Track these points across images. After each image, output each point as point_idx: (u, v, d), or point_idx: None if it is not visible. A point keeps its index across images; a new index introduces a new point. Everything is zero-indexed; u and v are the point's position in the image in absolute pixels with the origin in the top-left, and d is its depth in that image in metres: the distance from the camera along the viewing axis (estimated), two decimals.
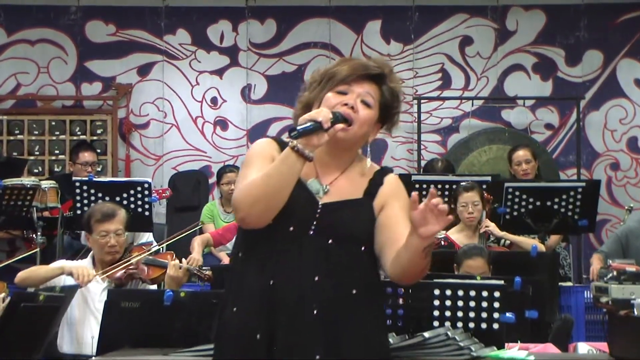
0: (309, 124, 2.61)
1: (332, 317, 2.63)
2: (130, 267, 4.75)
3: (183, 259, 4.87)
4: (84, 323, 4.59)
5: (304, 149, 2.61)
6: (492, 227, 5.88)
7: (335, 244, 2.65)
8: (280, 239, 2.67)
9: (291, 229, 2.66)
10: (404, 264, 2.61)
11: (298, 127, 2.61)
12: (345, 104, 2.70)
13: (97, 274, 4.67)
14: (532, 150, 7.25)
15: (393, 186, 2.77)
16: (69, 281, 4.60)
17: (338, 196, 2.72)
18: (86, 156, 7.18)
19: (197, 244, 5.81)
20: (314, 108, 2.72)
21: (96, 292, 4.65)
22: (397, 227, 2.67)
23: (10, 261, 6.52)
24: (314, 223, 2.68)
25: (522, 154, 7.11)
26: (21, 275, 4.64)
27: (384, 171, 2.80)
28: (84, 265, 4.71)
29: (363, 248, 2.68)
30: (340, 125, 2.65)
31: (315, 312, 2.62)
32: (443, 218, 2.50)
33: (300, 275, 2.64)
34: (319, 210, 2.69)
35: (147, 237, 6.21)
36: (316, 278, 2.63)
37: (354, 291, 2.65)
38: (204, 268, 5.17)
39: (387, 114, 2.79)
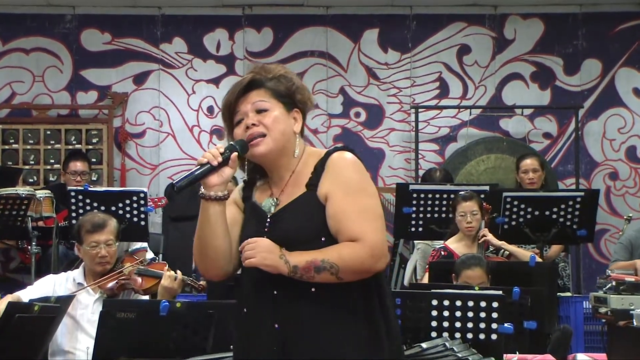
0: (191, 173, 2.61)
1: (292, 326, 2.61)
2: (123, 278, 4.73)
3: (178, 271, 4.82)
4: (73, 335, 4.57)
5: (209, 193, 2.63)
6: (490, 236, 5.89)
7: (288, 250, 2.60)
8: (245, 269, 2.69)
9: None
10: None
11: (177, 181, 2.60)
12: (247, 127, 2.68)
13: (114, 274, 4.64)
14: (540, 160, 7.26)
15: (335, 169, 2.65)
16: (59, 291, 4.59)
17: (286, 201, 2.70)
18: (77, 165, 7.17)
19: None
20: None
21: (87, 304, 4.62)
22: (340, 217, 2.60)
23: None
24: (265, 238, 2.65)
25: (529, 162, 7.12)
26: None
27: (327, 154, 2.69)
28: (61, 286, 4.67)
29: (323, 239, 2.61)
30: (234, 154, 2.64)
31: (276, 326, 2.62)
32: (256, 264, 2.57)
33: (263, 294, 2.64)
34: (267, 224, 2.68)
35: (141, 242, 6.20)
36: (275, 292, 2.63)
37: (313, 289, 2.60)
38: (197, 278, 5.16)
39: (289, 97, 2.74)
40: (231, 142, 2.67)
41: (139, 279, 4.77)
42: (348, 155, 2.69)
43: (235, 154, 2.65)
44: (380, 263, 2.62)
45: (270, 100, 2.72)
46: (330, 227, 2.62)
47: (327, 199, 2.63)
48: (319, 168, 2.67)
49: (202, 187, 2.65)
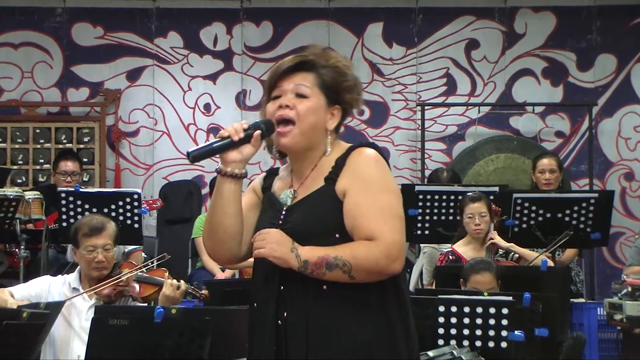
0: (209, 144, 2.62)
1: (297, 325, 2.61)
2: (120, 284, 4.72)
3: (182, 281, 4.77)
4: (67, 342, 4.57)
5: (226, 168, 2.64)
6: (497, 238, 5.89)
7: (303, 244, 2.61)
8: (256, 262, 2.72)
9: None
10: None
11: (192, 150, 2.61)
12: (280, 106, 2.69)
13: (112, 280, 4.64)
14: (558, 160, 7.26)
15: (355, 165, 2.65)
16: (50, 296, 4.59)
17: (303, 194, 2.71)
18: (68, 165, 7.17)
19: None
20: None
21: (82, 310, 4.62)
22: (357, 214, 2.59)
23: None
24: (278, 229, 2.66)
25: (547, 162, 7.12)
26: None
27: (350, 150, 2.70)
28: (57, 290, 4.67)
29: (337, 236, 2.61)
30: (257, 132, 2.64)
31: (279, 322, 2.62)
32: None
33: (270, 289, 2.66)
34: (282, 217, 2.69)
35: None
36: (281, 287, 2.64)
37: (325, 287, 2.60)
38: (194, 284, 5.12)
39: (336, 93, 2.73)
40: (257, 120, 2.67)
41: (138, 286, 4.76)
42: (370, 151, 2.69)
43: (258, 132, 2.65)
44: (396, 264, 2.61)
45: (314, 88, 2.71)
46: (346, 224, 2.62)
47: (345, 195, 2.63)
48: (340, 162, 2.68)
49: (219, 161, 2.66)
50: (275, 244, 2.59)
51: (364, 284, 2.59)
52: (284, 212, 2.70)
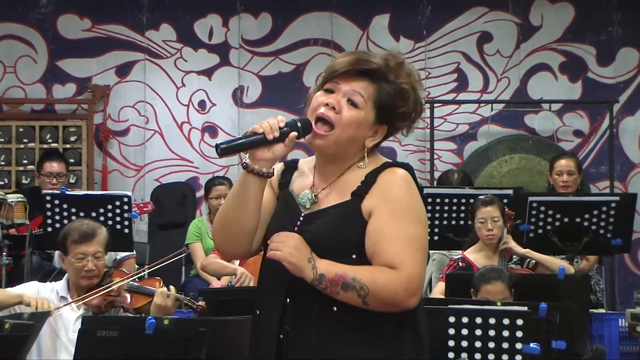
0: (240, 138, 2.62)
1: (300, 342, 2.62)
2: (111, 294, 4.72)
3: (171, 287, 4.77)
4: (54, 355, 4.57)
5: (253, 165, 2.63)
6: (512, 243, 5.89)
7: (318, 256, 2.61)
8: (265, 265, 2.72)
9: None
10: None
11: (222, 142, 2.60)
12: (327, 104, 2.68)
13: (60, 306, 4.61)
14: (577, 161, 7.26)
15: (386, 184, 2.66)
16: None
17: (326, 203, 2.71)
18: (53, 167, 7.16)
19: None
20: (307, 110, 2.72)
21: (70, 321, 4.62)
22: (381, 238, 2.60)
23: None
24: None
25: (565, 163, 7.11)
26: None
27: (383, 167, 2.71)
28: (45, 297, 4.66)
29: (354, 256, 2.62)
30: (294, 134, 2.63)
31: (281, 336, 2.63)
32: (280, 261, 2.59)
33: (275, 299, 2.67)
34: (299, 223, 2.70)
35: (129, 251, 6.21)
36: (288, 300, 2.64)
37: (335, 308, 2.60)
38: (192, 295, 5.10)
39: (388, 114, 2.73)
40: (295, 119, 2.66)
41: (129, 297, 4.76)
42: (403, 172, 2.70)
43: (294, 134, 2.64)
44: (413, 299, 2.60)
45: (369, 101, 2.70)
46: (367, 245, 2.62)
47: (371, 215, 2.64)
48: (370, 179, 2.68)
49: (247, 155, 2.65)
50: (293, 249, 2.59)
51: (380, 313, 2.59)
52: (301, 218, 2.70)
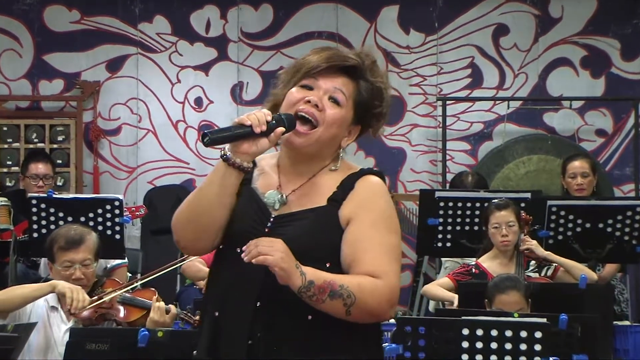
0: (228, 128, 2.65)
1: (273, 346, 2.65)
2: (103, 306, 4.71)
3: (172, 306, 4.72)
4: None
5: (234, 158, 2.66)
6: (535, 245, 5.88)
7: None
8: (227, 265, 2.74)
9: (238, 249, 2.70)
10: None
11: (211, 131, 2.63)
12: (308, 101, 2.72)
13: (93, 301, 4.62)
14: (591, 162, 7.25)
15: (364, 193, 2.73)
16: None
17: (298, 206, 2.74)
18: (39, 168, 7.17)
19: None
20: (281, 107, 2.75)
21: (59, 333, 4.63)
22: (361, 247, 2.66)
23: None
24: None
25: (578, 164, 7.10)
26: None
27: (360, 173, 2.78)
28: (38, 307, 4.66)
29: (328, 264, 2.66)
30: (281, 129, 2.66)
31: (250, 342, 2.66)
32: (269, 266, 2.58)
33: (242, 301, 2.68)
34: (269, 224, 2.73)
35: (121, 259, 6.21)
36: (258, 303, 2.67)
37: (310, 317, 2.65)
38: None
39: (365, 114, 2.79)
40: (281, 114, 2.69)
41: (123, 309, 4.75)
42: (380, 181, 2.77)
43: (281, 129, 2.67)
44: (391, 311, 2.72)
45: (350, 99, 2.76)
46: (344, 254, 2.68)
47: (349, 223, 2.70)
48: (347, 185, 2.75)
49: (228, 147, 2.68)
50: (284, 254, 2.60)
51: (352, 325, 2.67)
52: (272, 219, 2.73)
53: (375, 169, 2.84)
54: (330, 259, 2.67)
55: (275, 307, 2.66)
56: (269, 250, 2.59)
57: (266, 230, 2.71)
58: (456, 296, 5.75)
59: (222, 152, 2.67)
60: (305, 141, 2.71)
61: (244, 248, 2.61)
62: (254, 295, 2.67)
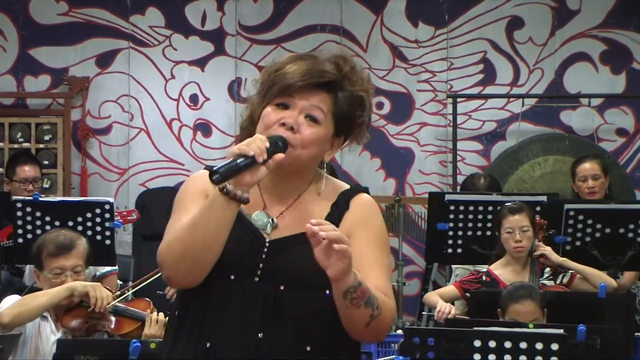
0: (236, 162, 2.63)
1: None
2: (94, 316, 4.72)
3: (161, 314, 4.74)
4: None
5: (235, 191, 2.65)
6: (549, 251, 5.89)
7: (288, 290, 2.69)
8: (220, 292, 2.73)
9: (232, 277, 2.71)
10: (341, 317, 2.68)
11: (220, 169, 2.62)
12: (283, 124, 2.73)
13: (116, 296, 4.63)
14: (602, 162, 7.25)
15: (361, 212, 2.80)
16: None
17: (290, 230, 2.76)
18: (26, 170, 7.17)
19: None
20: (258, 127, 2.76)
21: (48, 345, 4.63)
22: (365, 268, 2.70)
23: None
24: (260, 266, 2.72)
25: (588, 166, 7.11)
26: (9, 312, 4.51)
27: (352, 192, 2.83)
28: (96, 283, 4.69)
29: (328, 292, 2.68)
30: (280, 155, 2.67)
31: None
32: (341, 255, 2.57)
33: (242, 332, 2.69)
34: (265, 250, 2.74)
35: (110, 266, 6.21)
36: (260, 334, 2.68)
37: (308, 348, 2.69)
38: None
39: (347, 125, 2.81)
40: (274, 137, 2.69)
41: (115, 320, 4.75)
42: (372, 199, 2.84)
43: (280, 155, 2.67)
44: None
45: (328, 114, 2.77)
46: None
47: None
48: (342, 205, 2.80)
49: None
50: (340, 262, 2.59)
51: (347, 349, 2.76)
52: (267, 245, 2.74)
53: (363, 187, 2.92)
54: (329, 286, 2.67)
55: (278, 338, 2.68)
56: (344, 239, 2.58)
57: (263, 256, 2.72)
58: (440, 301, 5.79)
59: (220, 185, 2.65)
60: (286, 158, 2.70)
61: (311, 225, 2.56)
62: (255, 326, 2.69)
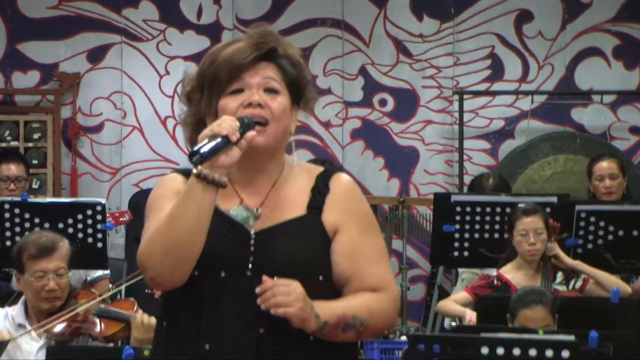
0: (213, 142, 2.64)
1: None
2: (77, 319, 4.72)
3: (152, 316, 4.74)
4: None
5: (212, 174, 2.66)
6: (561, 252, 5.88)
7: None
8: (212, 291, 2.73)
9: (222, 274, 2.72)
10: None
11: (200, 149, 2.63)
12: (249, 104, 2.75)
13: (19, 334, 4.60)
14: (620, 162, 7.24)
15: (344, 196, 2.82)
16: None
17: (275, 219, 2.78)
18: (11, 169, 7.16)
19: None
20: (209, 124, 2.74)
21: (30, 352, 4.62)
22: (360, 259, 2.76)
23: None
24: (250, 260, 2.73)
25: (606, 165, 7.10)
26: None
27: (329, 173, 2.86)
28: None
29: (321, 277, 2.74)
30: (252, 133, 2.69)
31: None
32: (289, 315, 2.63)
33: (242, 330, 2.71)
34: (252, 242, 2.75)
35: (102, 270, 6.21)
36: (261, 330, 2.70)
37: (312, 337, 2.72)
38: None
39: (298, 91, 2.85)
40: (243, 118, 2.71)
41: (99, 322, 4.75)
42: (350, 178, 2.89)
43: (252, 133, 2.69)
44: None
45: (282, 83, 2.82)
46: (341, 268, 2.77)
47: (338, 232, 2.78)
48: (322, 188, 2.82)
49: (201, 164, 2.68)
50: (303, 302, 2.65)
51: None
52: (253, 237, 2.75)
53: (336, 165, 2.96)
54: (321, 271, 2.75)
55: (279, 331, 2.70)
56: (289, 301, 2.63)
57: (251, 249, 2.74)
58: (467, 310, 5.76)
59: (196, 171, 2.66)
60: (265, 138, 2.74)
61: (257, 290, 2.63)
62: (254, 322, 2.70)
